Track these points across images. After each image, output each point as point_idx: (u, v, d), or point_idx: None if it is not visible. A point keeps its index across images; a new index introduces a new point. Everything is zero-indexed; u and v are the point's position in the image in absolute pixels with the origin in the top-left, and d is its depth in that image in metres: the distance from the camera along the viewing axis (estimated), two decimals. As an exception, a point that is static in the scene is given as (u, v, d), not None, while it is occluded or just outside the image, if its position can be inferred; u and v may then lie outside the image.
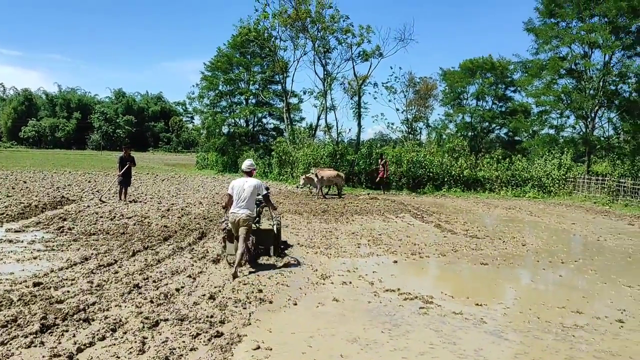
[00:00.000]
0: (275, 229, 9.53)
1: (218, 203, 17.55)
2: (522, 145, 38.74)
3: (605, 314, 6.87)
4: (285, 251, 9.91)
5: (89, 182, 24.13)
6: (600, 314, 6.87)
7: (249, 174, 8.77)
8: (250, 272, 8.12)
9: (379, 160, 26.02)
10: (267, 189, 9.05)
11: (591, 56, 29.52)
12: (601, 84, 28.60)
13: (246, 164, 8.95)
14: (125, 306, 6.15)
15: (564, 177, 27.68)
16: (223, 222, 8.98)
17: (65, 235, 10.56)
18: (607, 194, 24.01)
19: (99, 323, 5.52)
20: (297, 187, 24.37)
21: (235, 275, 7.72)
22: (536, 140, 34.11)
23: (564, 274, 9.37)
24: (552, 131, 33.05)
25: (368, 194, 22.08)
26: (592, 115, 29.64)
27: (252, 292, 7.04)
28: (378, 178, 25.79)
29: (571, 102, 29.38)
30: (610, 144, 32.10)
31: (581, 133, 30.98)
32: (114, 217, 13.29)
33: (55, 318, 5.51)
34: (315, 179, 21.30)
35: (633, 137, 31.00)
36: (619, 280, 8.86)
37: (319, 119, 37.02)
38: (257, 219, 9.50)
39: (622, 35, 27.83)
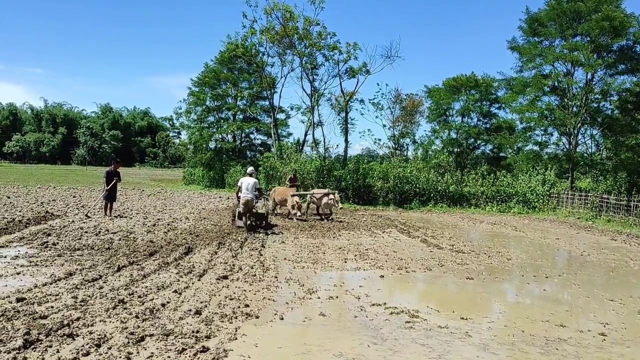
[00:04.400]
0: (265, 212, 16.28)
1: (205, 218, 17.55)
2: (506, 161, 39.17)
3: (589, 327, 6.95)
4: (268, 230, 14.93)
5: (74, 197, 23.91)
6: (583, 327, 6.95)
7: (250, 175, 15.11)
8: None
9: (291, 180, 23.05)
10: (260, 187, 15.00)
11: (574, 74, 30.20)
12: (584, 101, 29.11)
13: (250, 169, 15.75)
14: (110, 321, 6.10)
15: (548, 193, 28.00)
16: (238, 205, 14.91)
17: (50, 250, 10.45)
18: (590, 210, 24.30)
19: (83, 338, 5.47)
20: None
21: (247, 228, 14.44)
22: (521, 157, 34.55)
23: (548, 288, 9.47)
24: (536, 147, 33.56)
25: (341, 208, 19.73)
26: (575, 132, 30.12)
27: (239, 307, 7.02)
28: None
29: (554, 119, 29.87)
30: (593, 160, 32.62)
31: (564, 149, 31.45)
32: (99, 232, 13.18)
33: (39, 333, 5.45)
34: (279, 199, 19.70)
35: (615, 154, 31.55)
36: (601, 294, 8.96)
37: (306, 134, 37.22)
38: (257, 202, 15.08)
39: (603, 54, 28.43)
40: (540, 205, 27.54)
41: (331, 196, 19.17)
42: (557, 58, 29.40)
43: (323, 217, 19.65)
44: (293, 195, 18.92)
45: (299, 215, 18.39)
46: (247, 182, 14.48)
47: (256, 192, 14.58)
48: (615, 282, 10.31)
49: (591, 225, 21.25)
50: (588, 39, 28.25)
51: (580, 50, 27.76)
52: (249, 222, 14.57)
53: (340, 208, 19.78)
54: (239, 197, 14.67)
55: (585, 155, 32.60)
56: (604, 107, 31.66)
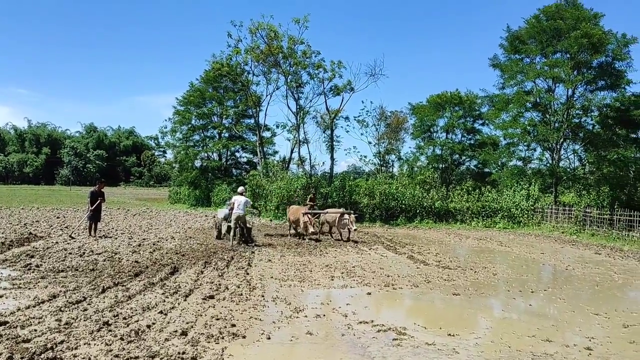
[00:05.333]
0: (250, 226, 17.53)
1: (191, 237, 17.48)
2: (491, 176, 39.49)
3: (574, 341, 7.00)
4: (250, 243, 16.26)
5: (58, 218, 23.65)
6: (569, 342, 7.00)
7: (242, 194, 16.56)
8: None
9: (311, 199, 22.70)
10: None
11: (555, 90, 30.61)
12: (565, 117, 29.55)
13: (241, 189, 17.27)
14: (95, 344, 6.03)
15: (532, 207, 28.25)
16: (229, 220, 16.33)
17: (33, 272, 10.31)
18: (574, 224, 24.54)
19: (67, 362, 5.40)
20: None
21: (237, 241, 15.84)
22: (505, 172, 34.80)
23: (534, 303, 9.53)
24: (519, 163, 33.83)
25: (355, 229, 18.23)
26: (558, 147, 30.49)
27: (225, 327, 6.98)
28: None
29: (537, 134, 30.21)
30: (576, 175, 32.99)
31: (548, 165, 31.78)
32: (84, 253, 13.05)
33: (22, 358, 5.38)
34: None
35: (597, 168, 31.98)
36: (587, 309, 9.04)
37: (292, 152, 37.24)
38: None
39: (583, 70, 28.91)
40: (525, 220, 27.75)
41: (346, 216, 18.32)
42: (538, 75, 29.85)
43: (337, 237, 18.86)
44: (305, 214, 18.12)
45: (311, 235, 17.86)
46: (239, 200, 16.01)
47: (248, 207, 16.63)
48: (600, 296, 10.41)
49: (575, 240, 21.46)
50: (568, 55, 28.76)
51: (561, 67, 28.23)
52: (238, 235, 16.05)
53: (355, 229, 18.39)
54: (230, 212, 16.27)
55: (568, 170, 32.96)
56: (585, 122, 32.12)
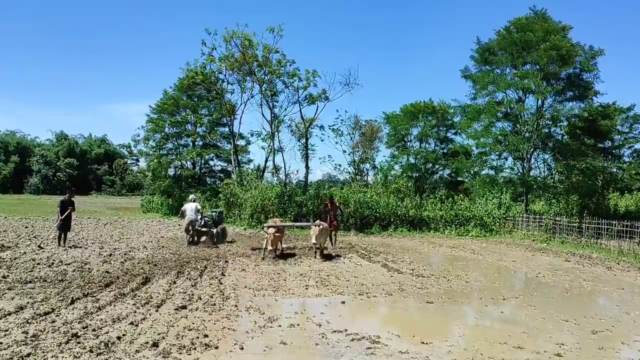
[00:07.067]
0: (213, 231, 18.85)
1: (163, 247, 17.25)
2: (464, 185, 40.00)
3: (545, 348, 7.10)
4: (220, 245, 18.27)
5: (26, 227, 23.10)
6: (540, 348, 7.09)
7: (194, 201, 18.77)
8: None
9: (326, 206, 19.77)
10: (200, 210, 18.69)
11: (525, 101, 31.23)
12: (535, 127, 30.16)
13: (191, 197, 19.44)
14: (63, 357, 5.89)
15: (504, 216, 28.67)
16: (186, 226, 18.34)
17: (0, 283, 10.05)
18: (545, 232, 24.98)
19: (34, 375, 5.26)
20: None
21: (189, 242, 18.22)
22: (477, 181, 35.29)
23: (506, 310, 9.65)
24: (491, 172, 34.43)
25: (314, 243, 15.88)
26: (528, 156, 31.09)
27: (198, 337, 6.89)
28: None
29: (508, 144, 30.73)
30: (546, 184, 33.69)
31: (519, 174, 32.36)
32: (52, 263, 12.75)
33: (-14, 372, 5.21)
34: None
35: (567, 177, 32.73)
36: (557, 315, 9.18)
37: (266, 160, 37.10)
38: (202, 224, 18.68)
39: (552, 82, 29.56)
40: (497, 228, 28.13)
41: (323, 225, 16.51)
42: (508, 86, 30.40)
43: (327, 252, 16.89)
44: (269, 227, 15.51)
45: (267, 253, 15.42)
46: (190, 207, 18.35)
47: (198, 214, 18.36)
48: (570, 303, 10.59)
49: (546, 247, 21.83)
50: (537, 67, 29.38)
51: (531, 78, 28.82)
52: (190, 237, 18.33)
53: (314, 244, 15.94)
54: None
55: (538, 179, 33.63)
56: (554, 132, 32.94)
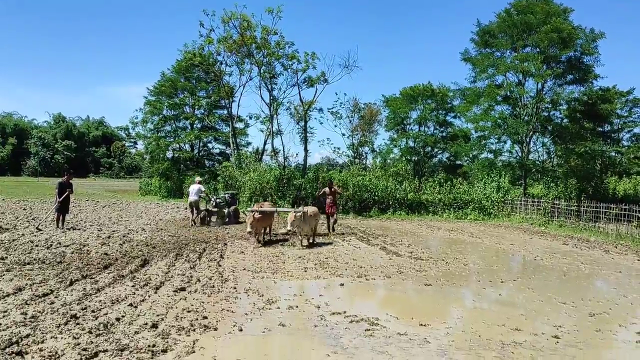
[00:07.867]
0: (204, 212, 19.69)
1: (162, 229, 17.27)
2: (463, 169, 39.98)
3: (542, 330, 7.12)
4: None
5: (24, 209, 23.08)
6: (537, 330, 7.11)
7: (198, 183, 19.57)
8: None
9: (328, 188, 19.01)
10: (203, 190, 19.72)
11: (525, 84, 31.08)
12: (535, 110, 30.06)
13: (197, 179, 20.24)
14: (62, 337, 5.89)
15: (502, 199, 28.67)
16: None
17: (-3, 265, 10.04)
18: (543, 216, 25.00)
19: (33, 357, 5.27)
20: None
21: (194, 221, 19.19)
22: (476, 164, 35.25)
23: (504, 292, 9.68)
24: (490, 155, 34.32)
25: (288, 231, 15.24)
26: (527, 140, 31.03)
27: (197, 319, 6.90)
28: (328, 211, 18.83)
29: (507, 127, 30.65)
30: (545, 167, 33.68)
31: (517, 157, 32.33)
32: (51, 245, 12.75)
33: (-15, 353, 5.21)
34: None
35: (565, 161, 32.71)
36: (554, 298, 9.21)
37: (265, 143, 37.01)
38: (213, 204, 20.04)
39: (553, 65, 29.40)
40: (495, 211, 28.16)
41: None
42: (508, 69, 30.23)
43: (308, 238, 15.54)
44: (252, 211, 14.43)
45: (248, 234, 14.43)
46: (192, 188, 19.33)
47: (201, 194, 19.31)
48: (568, 286, 10.62)
49: (544, 231, 21.87)
50: (538, 50, 29.18)
51: (531, 61, 28.64)
52: (195, 216, 19.18)
53: (288, 230, 14.99)
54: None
55: (537, 162, 33.60)
56: (554, 115, 32.84)
